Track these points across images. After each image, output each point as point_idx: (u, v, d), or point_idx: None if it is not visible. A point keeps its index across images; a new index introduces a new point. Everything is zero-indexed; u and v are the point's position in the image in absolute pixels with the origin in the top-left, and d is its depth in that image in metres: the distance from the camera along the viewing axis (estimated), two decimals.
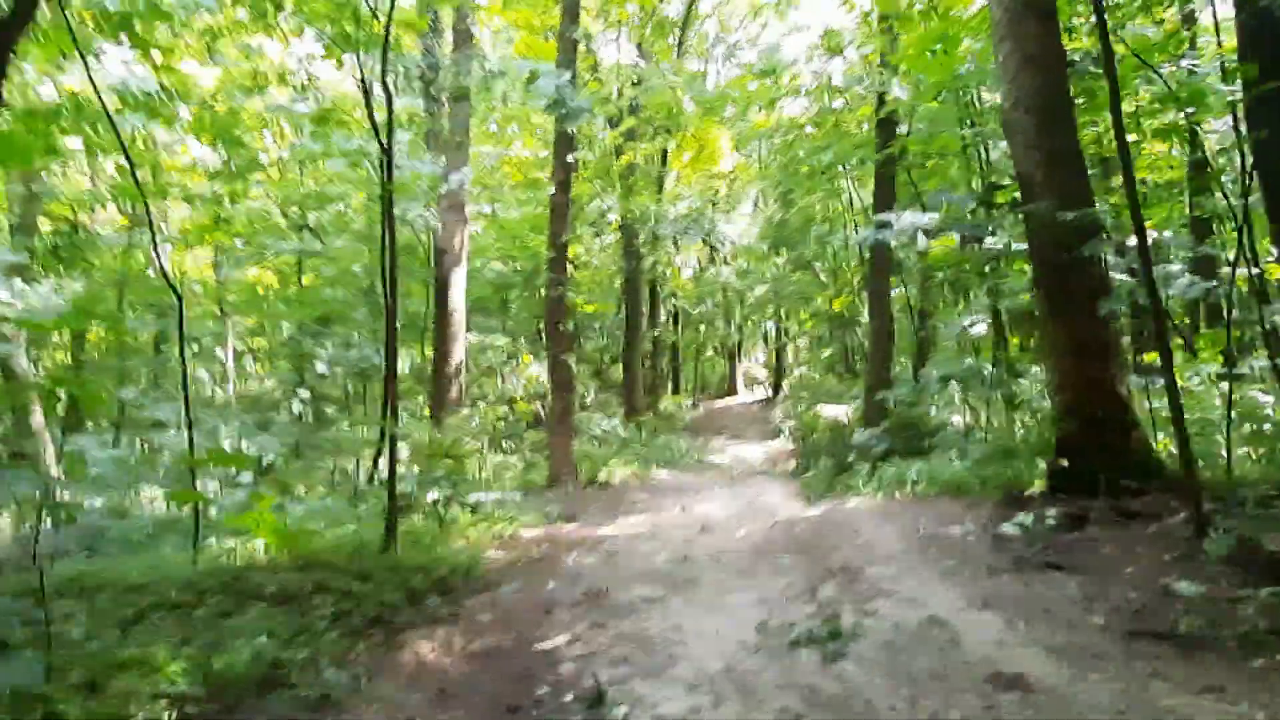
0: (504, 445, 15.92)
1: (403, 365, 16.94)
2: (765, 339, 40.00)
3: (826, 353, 22.44)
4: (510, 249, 21.86)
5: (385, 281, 8.61)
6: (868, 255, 16.79)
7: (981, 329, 10.28)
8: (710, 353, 37.33)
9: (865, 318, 22.10)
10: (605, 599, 6.85)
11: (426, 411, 15.64)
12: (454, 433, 14.26)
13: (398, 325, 10.88)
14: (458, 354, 15.50)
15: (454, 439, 14.20)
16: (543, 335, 21.25)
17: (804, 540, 7.96)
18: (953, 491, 9.27)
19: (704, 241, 20.67)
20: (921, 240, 10.83)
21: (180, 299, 8.54)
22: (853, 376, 21.58)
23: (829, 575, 6.64)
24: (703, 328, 32.82)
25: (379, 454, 11.59)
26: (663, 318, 29.29)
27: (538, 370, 16.48)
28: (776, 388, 34.93)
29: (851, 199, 15.93)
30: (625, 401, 22.26)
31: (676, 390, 29.73)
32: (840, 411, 17.35)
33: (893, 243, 10.70)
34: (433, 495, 10.88)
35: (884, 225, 10.65)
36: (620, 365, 23.38)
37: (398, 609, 6.72)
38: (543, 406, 17.09)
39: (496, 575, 7.81)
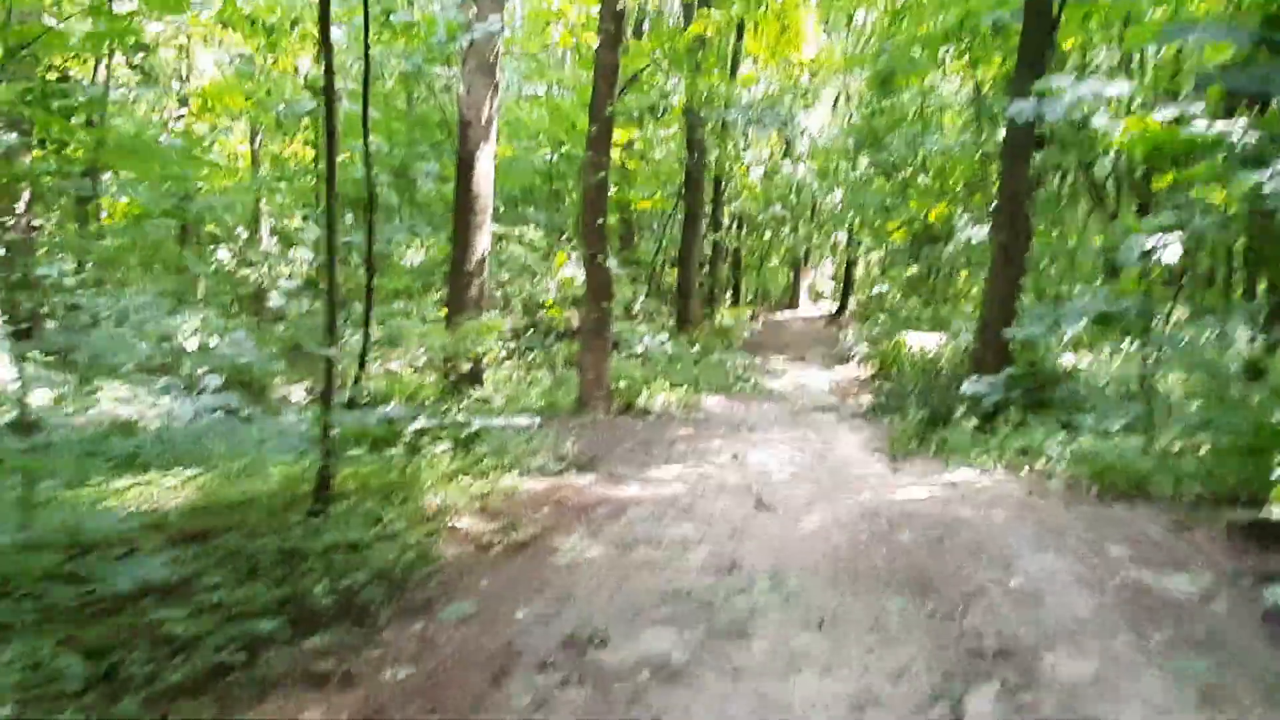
0: (532, 357, 13.20)
1: (417, 257, 14.17)
2: (833, 250, 36.37)
3: (910, 271, 19.24)
4: (561, 133, 18.69)
5: (325, 137, 5.79)
6: (996, 146, 13.38)
7: (1174, 253, 7.03)
8: (774, 261, 33.93)
9: (962, 232, 18.61)
10: (598, 653, 4.12)
11: (442, 313, 12.95)
12: (467, 340, 11.57)
13: (375, 209, 8.09)
14: (480, 246, 12.67)
15: (468, 347, 11.53)
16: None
17: (917, 561, 5.08)
18: (1122, 483, 6.26)
19: (779, 133, 17.28)
20: (1101, 120, 7.50)
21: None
22: (940, 301, 18.30)
23: (976, 664, 3.79)
24: (768, 234, 29.38)
25: (363, 360, 8.95)
26: (725, 221, 25.98)
27: (574, 271, 13.57)
28: (843, 304, 31.61)
29: (979, 86, 12.49)
30: (678, 311, 19.33)
31: (736, 301, 26.64)
32: (929, 342, 14.22)
33: (1052, 118, 7.36)
34: (417, 424, 8.23)
35: (1042, 95, 7.31)
36: (675, 271, 20.34)
37: (268, 642, 4.10)
38: (578, 314, 14.25)
39: (450, 577, 5.15)
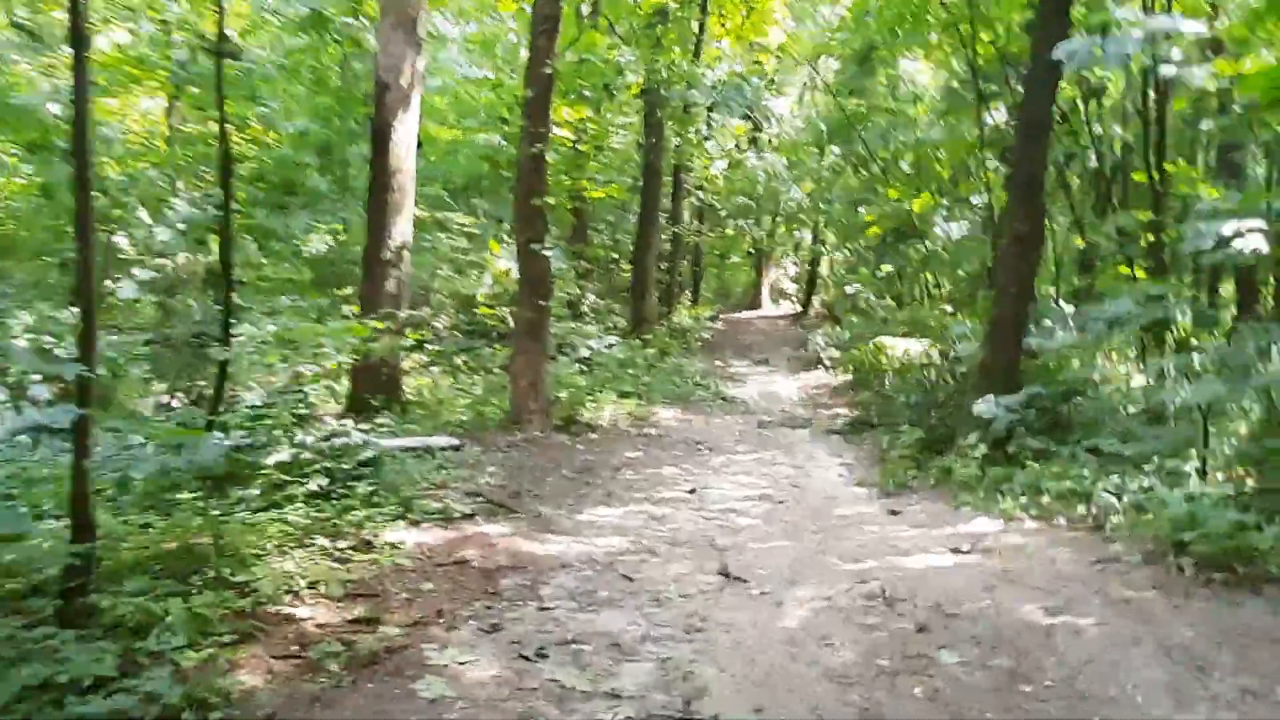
0: (463, 361, 11.18)
1: (322, 245, 12.04)
2: (797, 249, 34.72)
3: (885, 270, 17.59)
4: (507, 111, 16.58)
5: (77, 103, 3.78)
6: (989, 131, 11.67)
7: (1256, 243, 5.27)
8: (736, 259, 32.17)
9: (941, 228, 16.94)
10: None
11: (355, 309, 10.89)
12: (379, 344, 9.53)
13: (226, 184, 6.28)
14: (400, 233, 10.62)
15: (383, 351, 9.51)
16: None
17: (975, 708, 3.19)
18: (1220, 555, 4.44)
19: (747, 117, 15.46)
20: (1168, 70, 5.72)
21: None
22: (916, 302, 16.57)
23: None
24: (730, 229, 27.55)
25: (224, 370, 6.88)
26: (685, 214, 24.11)
27: (511, 263, 11.57)
28: (807, 304, 29.95)
29: (972, 63, 10.74)
30: (632, 311, 17.40)
31: (696, 300, 24.78)
32: (912, 348, 12.46)
33: (1116, 63, 5.55)
34: (278, 456, 6.20)
35: (1104, 28, 5.50)
36: (630, 266, 18.41)
37: None
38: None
39: None
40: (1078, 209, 11.19)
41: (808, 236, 32.13)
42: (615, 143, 20.22)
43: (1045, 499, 6.16)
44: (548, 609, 4.54)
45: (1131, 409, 8.30)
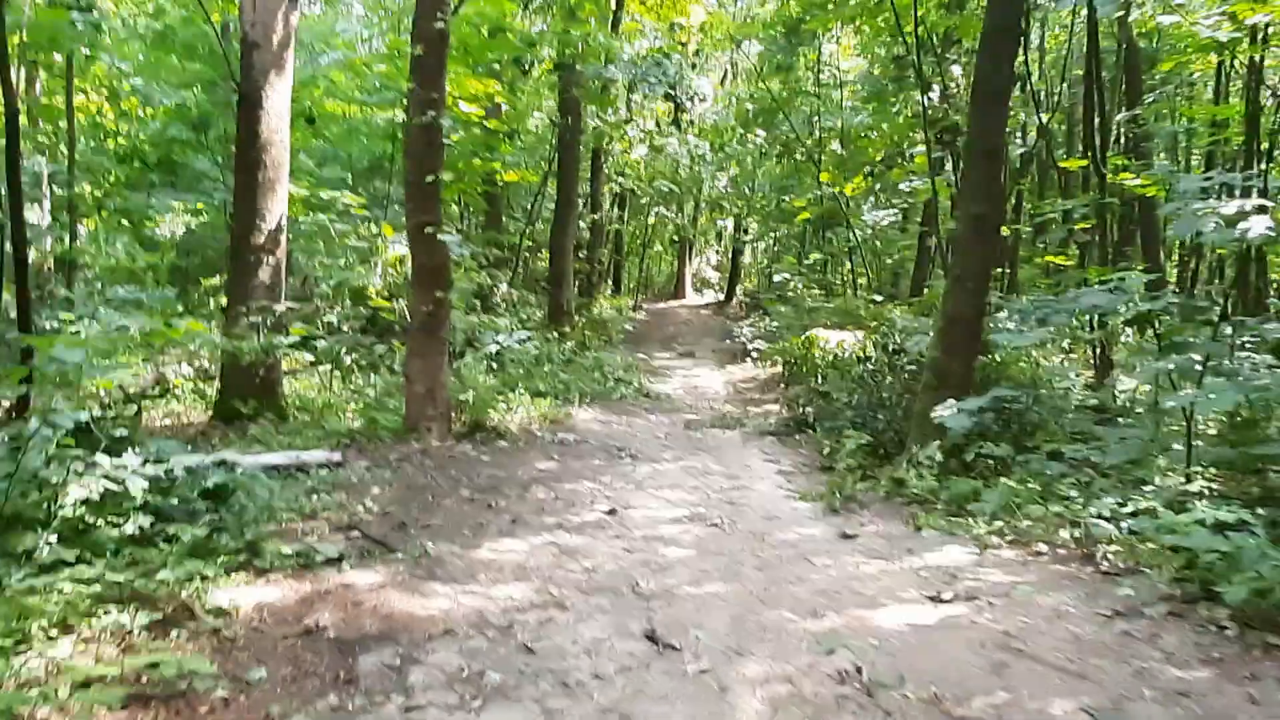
0: (353, 360, 9.77)
1: (181, 229, 10.43)
2: (719, 237, 33.92)
3: (813, 258, 16.76)
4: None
5: None
6: (927, 108, 10.80)
7: (1263, 227, 4.42)
8: (658, 247, 31.17)
9: (869, 216, 16.16)
10: None
11: (222, 301, 9.42)
12: (249, 344, 8.14)
13: None
14: (273, 214, 9.17)
15: (249, 349, 8.11)
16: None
17: None
18: (1270, 609, 3.53)
19: (669, 97, 14.36)
20: None
21: None
22: (846, 291, 15.78)
23: None
24: (653, 218, 26.51)
25: (28, 383, 5.45)
26: (605, 201, 22.91)
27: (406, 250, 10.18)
28: (729, 292, 29.20)
29: (906, 39, 9.85)
30: (549, 302, 16.16)
31: (617, 289, 23.65)
32: (844, 340, 11.58)
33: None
34: (79, 492, 4.80)
35: None
36: (547, 255, 17.12)
37: None
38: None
39: None
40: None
41: (730, 225, 31.39)
42: (532, 125, 18.95)
43: (1024, 522, 5.22)
44: (416, 707, 3.33)
45: (1070, 408, 7.55)
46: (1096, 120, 9.61)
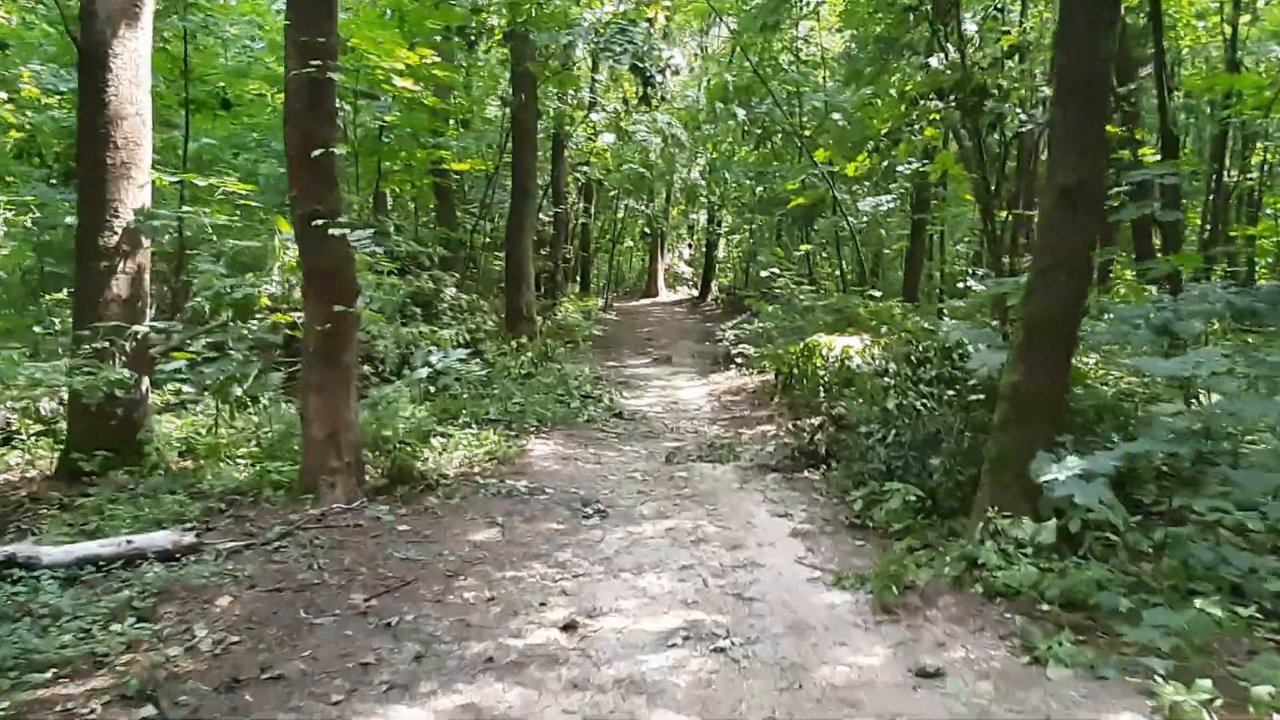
0: (243, 392, 7.51)
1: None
2: (691, 231, 31.79)
3: (804, 249, 14.75)
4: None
5: None
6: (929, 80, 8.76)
7: None
8: (629, 242, 28.99)
9: (866, 202, 14.10)
10: None
11: (68, 320, 7.16)
12: (97, 378, 5.92)
13: None
14: (129, 206, 6.93)
15: (94, 386, 5.93)
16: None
17: None
18: None
19: (636, 69, 12.24)
20: None
21: None
22: (842, 287, 13.73)
23: None
24: (622, 212, 24.30)
25: None
26: (570, 192, 20.68)
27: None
28: (704, 288, 27.10)
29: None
30: (507, 305, 13.95)
31: (585, 289, 21.45)
32: (853, 346, 9.51)
33: None
34: None
35: None
36: (504, 254, 14.88)
37: None
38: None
39: None
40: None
41: (703, 218, 29.29)
42: (489, 113, 16.68)
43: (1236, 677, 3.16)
44: None
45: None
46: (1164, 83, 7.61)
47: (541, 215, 19.88)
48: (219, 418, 7.54)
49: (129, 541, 5.09)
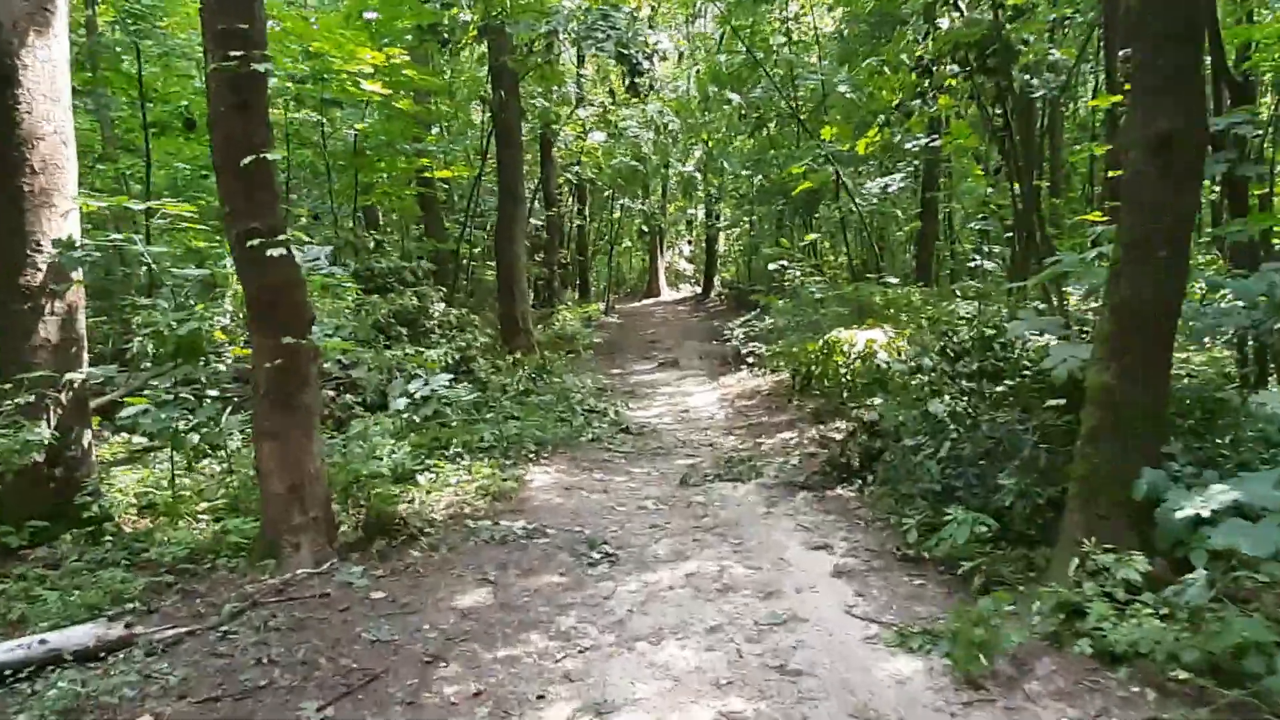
0: (201, 438, 6.57)
1: None
2: (690, 226, 30.83)
3: (809, 238, 13.78)
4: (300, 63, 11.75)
5: None
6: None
7: None
8: (627, 243, 28.04)
9: (873, 184, 13.10)
10: None
11: None
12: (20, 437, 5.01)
13: None
14: (51, 239, 5.99)
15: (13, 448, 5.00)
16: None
17: None
18: None
19: (620, 56, 11.30)
20: None
21: None
22: (853, 277, 12.74)
23: None
24: (619, 211, 23.32)
25: None
26: (566, 196, 19.72)
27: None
28: (707, 284, 26.14)
29: None
30: (501, 317, 13.01)
31: (585, 293, 20.49)
32: (877, 340, 8.54)
33: None
34: None
35: None
36: (495, 264, 13.92)
37: None
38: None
39: None
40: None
41: (701, 212, 28.32)
42: (476, 119, 15.74)
43: None
44: None
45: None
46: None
47: (534, 221, 18.98)
48: (175, 469, 6.60)
49: (42, 641, 4.16)
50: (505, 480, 7.13)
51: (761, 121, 17.67)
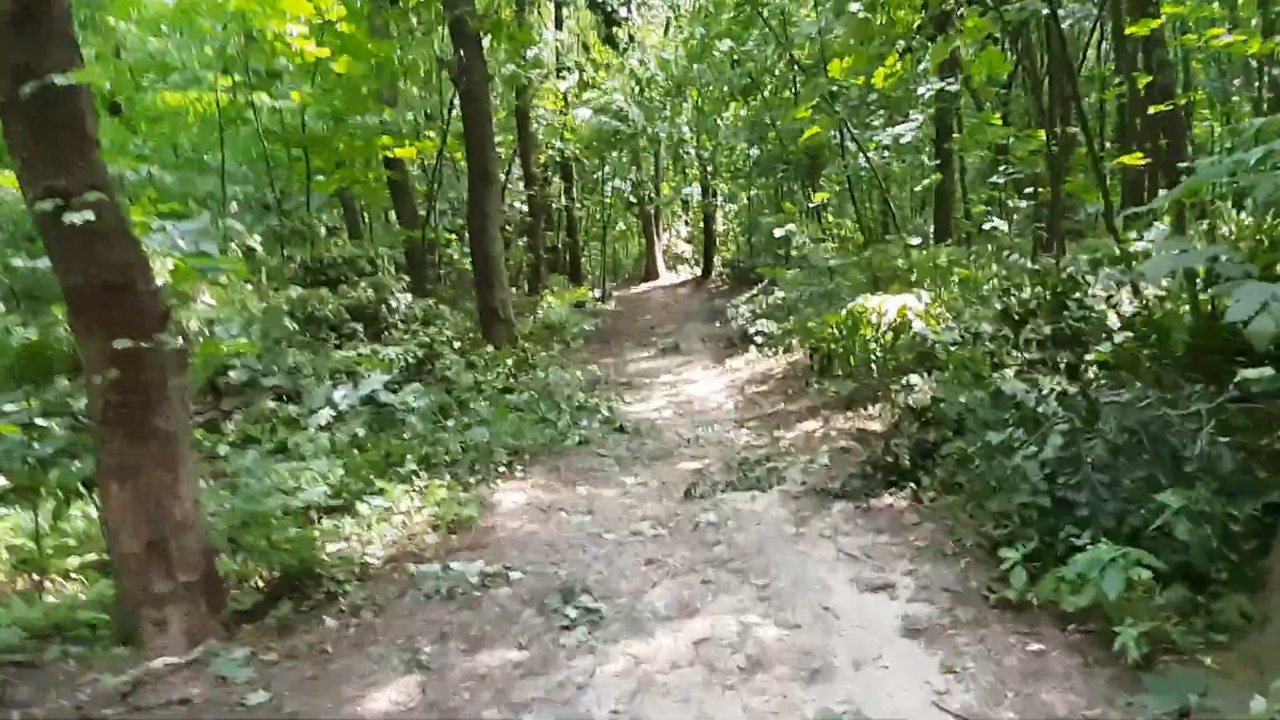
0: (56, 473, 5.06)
1: None
2: (687, 205, 29.17)
3: (819, 198, 12.31)
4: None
5: None
6: None
7: None
8: (621, 225, 26.46)
9: (884, 134, 11.46)
10: None
11: None
12: None
13: None
14: None
15: None
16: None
17: None
18: None
19: (593, 5, 9.70)
20: None
21: None
22: (872, 239, 11.14)
23: None
24: (611, 194, 21.74)
25: None
26: (553, 175, 18.11)
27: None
28: (707, 264, 24.53)
29: None
30: (480, 308, 11.46)
31: (576, 278, 18.89)
32: (911, 307, 6.98)
33: None
34: None
35: None
36: (471, 252, 12.36)
37: None
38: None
39: None
40: None
41: (697, 191, 26.70)
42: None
43: None
44: None
45: None
46: None
47: (517, 204, 17.42)
48: (36, 520, 5.10)
49: None
50: (463, 507, 5.59)
51: (755, 85, 16.05)
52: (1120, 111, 15.44)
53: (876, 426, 6.23)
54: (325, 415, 5.11)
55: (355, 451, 6.19)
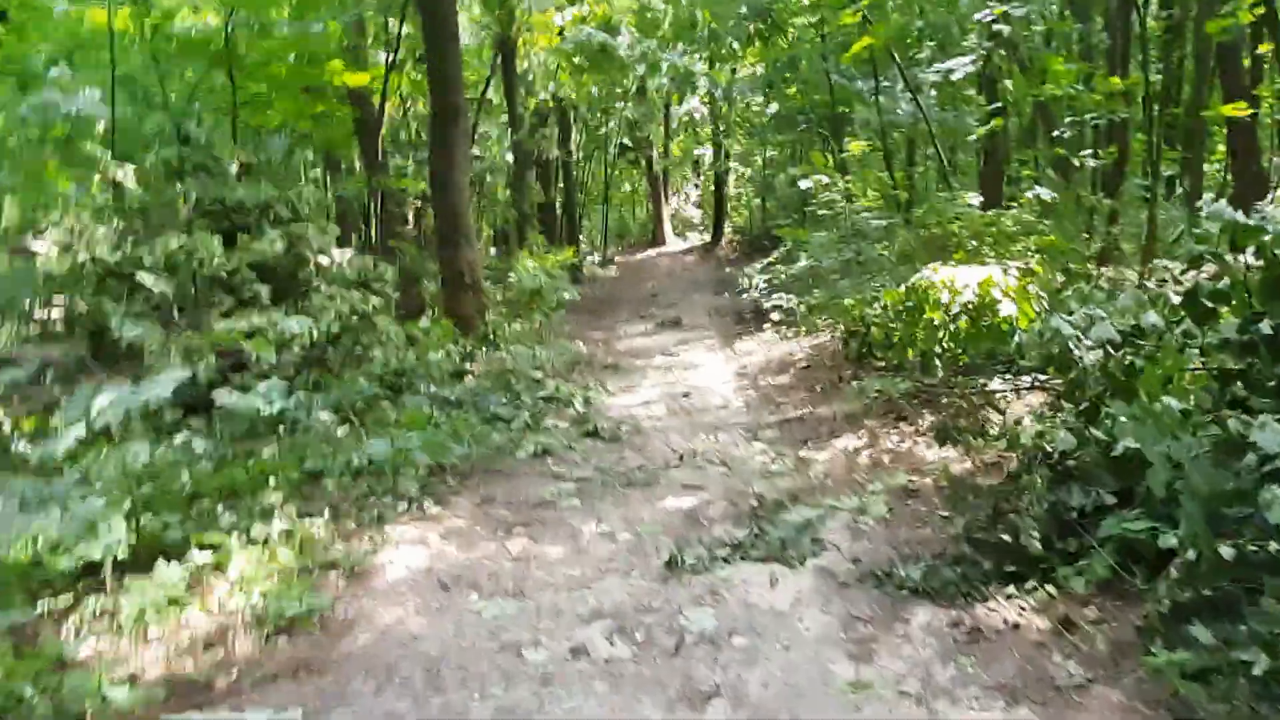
0: None
1: None
2: (697, 168, 26.70)
3: (854, 148, 10.01)
4: None
5: None
6: None
7: None
8: (627, 187, 24.12)
9: (933, 70, 9.09)
10: None
11: None
12: None
13: None
14: None
15: None
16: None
17: None
18: None
19: None
20: None
21: None
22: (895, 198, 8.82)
23: None
24: (612, 147, 19.34)
25: None
26: (548, 128, 15.71)
27: None
28: (717, 231, 22.19)
29: None
30: (444, 272, 9.22)
31: (574, 240, 16.56)
32: (994, 280, 4.77)
33: None
34: None
35: None
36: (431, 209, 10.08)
37: None
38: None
39: None
40: None
41: (709, 154, 24.25)
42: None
43: None
44: None
45: None
46: None
47: (509, 158, 15.07)
48: None
49: None
50: (317, 575, 3.44)
51: (776, 27, 13.60)
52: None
53: (959, 459, 4.03)
54: (71, 438, 2.99)
55: (141, 483, 3.99)
